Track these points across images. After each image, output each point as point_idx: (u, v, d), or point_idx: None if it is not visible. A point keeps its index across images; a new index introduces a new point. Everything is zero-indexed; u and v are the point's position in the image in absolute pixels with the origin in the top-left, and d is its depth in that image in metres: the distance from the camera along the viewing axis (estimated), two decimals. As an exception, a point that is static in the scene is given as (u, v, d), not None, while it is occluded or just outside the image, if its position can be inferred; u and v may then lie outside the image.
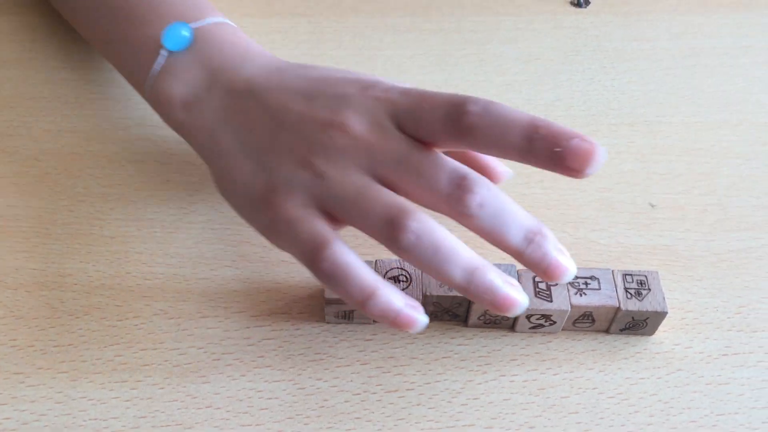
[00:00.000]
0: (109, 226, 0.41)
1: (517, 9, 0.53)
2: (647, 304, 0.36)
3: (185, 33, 0.38)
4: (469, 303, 0.36)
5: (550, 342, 0.37)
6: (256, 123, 0.35)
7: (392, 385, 0.35)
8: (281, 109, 0.35)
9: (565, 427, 0.34)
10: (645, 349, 0.37)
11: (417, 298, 0.36)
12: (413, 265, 0.32)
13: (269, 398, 0.35)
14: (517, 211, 0.31)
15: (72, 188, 0.42)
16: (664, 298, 0.36)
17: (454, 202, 0.31)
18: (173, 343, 0.36)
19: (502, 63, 0.49)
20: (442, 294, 0.36)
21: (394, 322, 0.31)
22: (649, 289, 0.37)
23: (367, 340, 0.37)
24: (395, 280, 0.37)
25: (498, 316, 0.37)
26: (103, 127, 0.45)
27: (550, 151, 0.30)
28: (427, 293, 0.36)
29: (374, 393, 0.35)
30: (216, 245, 0.40)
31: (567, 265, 0.31)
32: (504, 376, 0.36)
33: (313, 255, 0.31)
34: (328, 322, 0.37)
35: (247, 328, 0.37)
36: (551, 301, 0.36)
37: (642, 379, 0.36)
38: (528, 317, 0.36)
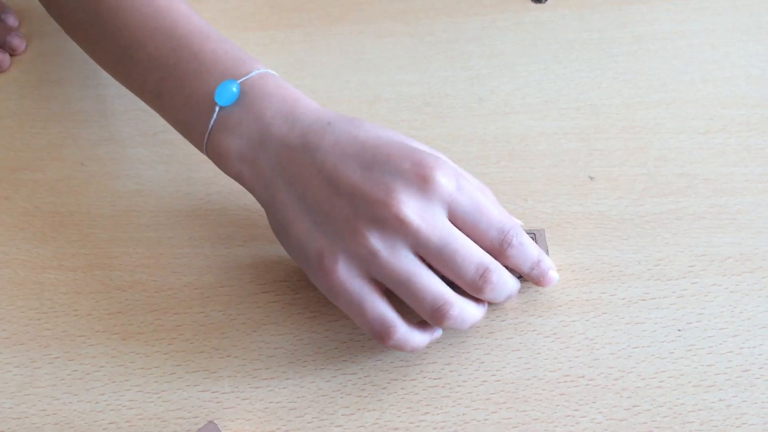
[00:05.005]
0: (144, 216, 0.50)
1: (483, 9, 0.60)
2: None
3: (234, 89, 0.41)
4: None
5: (500, 295, 0.46)
6: (311, 181, 0.39)
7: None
8: (336, 176, 0.38)
9: (509, 361, 0.43)
10: (577, 298, 0.45)
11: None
12: None
13: (275, 348, 0.44)
14: (510, 280, 0.42)
15: (113, 187, 0.52)
16: (547, 251, 0.45)
17: (476, 290, 0.40)
18: (199, 308, 0.46)
19: (468, 60, 0.57)
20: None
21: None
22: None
23: (352, 299, 0.46)
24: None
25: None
26: (134, 134, 0.54)
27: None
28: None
29: (358, 341, 0.44)
30: (229, 228, 0.49)
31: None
32: (461, 323, 0.45)
33: (382, 335, 0.39)
34: (320, 287, 0.47)
35: (256, 294, 0.46)
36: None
37: (573, 321, 0.44)
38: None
